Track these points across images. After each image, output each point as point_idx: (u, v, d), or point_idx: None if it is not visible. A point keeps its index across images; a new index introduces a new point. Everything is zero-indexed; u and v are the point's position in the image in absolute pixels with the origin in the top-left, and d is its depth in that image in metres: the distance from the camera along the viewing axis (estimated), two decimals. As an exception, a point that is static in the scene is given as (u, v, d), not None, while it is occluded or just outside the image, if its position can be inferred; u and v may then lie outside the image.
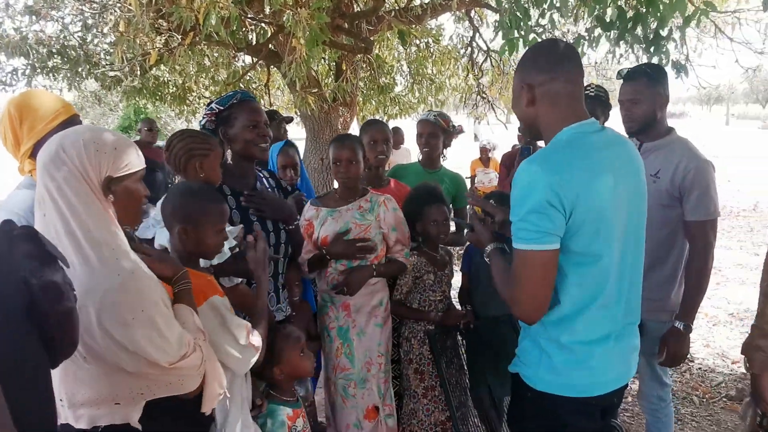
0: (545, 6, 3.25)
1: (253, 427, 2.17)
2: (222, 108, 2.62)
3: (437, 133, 3.72)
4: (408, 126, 9.65)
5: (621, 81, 2.81)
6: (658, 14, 3.27)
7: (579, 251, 1.75)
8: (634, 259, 1.89)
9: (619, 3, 3.38)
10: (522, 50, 3.78)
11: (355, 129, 10.32)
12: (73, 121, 2.20)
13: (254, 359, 2.02)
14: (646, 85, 2.72)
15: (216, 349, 1.89)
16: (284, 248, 2.75)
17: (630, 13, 3.36)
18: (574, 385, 1.84)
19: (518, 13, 3.28)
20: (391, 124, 9.91)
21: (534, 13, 3.67)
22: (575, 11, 3.36)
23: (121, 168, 1.61)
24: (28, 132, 2.14)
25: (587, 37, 3.71)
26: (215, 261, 2.26)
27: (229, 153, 2.68)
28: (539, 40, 3.61)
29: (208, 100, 9.49)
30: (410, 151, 8.59)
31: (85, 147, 1.55)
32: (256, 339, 2.05)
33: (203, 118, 2.69)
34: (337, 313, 2.94)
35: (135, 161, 1.65)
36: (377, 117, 9.67)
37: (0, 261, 1.06)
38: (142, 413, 1.64)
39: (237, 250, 2.32)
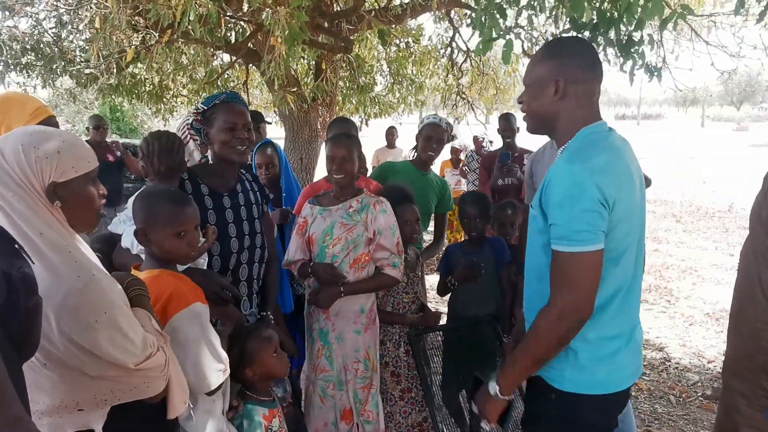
0: (522, 5, 3.25)
1: (228, 429, 2.15)
2: (206, 108, 2.59)
3: (444, 139, 3.74)
4: (382, 125, 9.67)
5: None
6: (633, 18, 3.29)
7: (611, 248, 1.75)
8: (640, 256, 1.91)
9: (595, 4, 3.39)
10: (497, 50, 3.83)
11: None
12: (48, 122, 2.16)
13: (223, 379, 1.97)
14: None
15: (188, 357, 1.86)
16: (260, 252, 2.72)
17: (605, 16, 3.38)
18: (601, 381, 1.83)
19: (494, 12, 3.27)
20: (374, 123, 9.92)
21: (510, 12, 3.67)
22: (554, 12, 3.37)
23: (67, 172, 1.51)
24: (5, 133, 2.09)
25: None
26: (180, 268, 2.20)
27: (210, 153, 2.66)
28: (515, 40, 3.63)
29: (185, 98, 9.41)
30: (403, 151, 8.59)
31: (25, 153, 1.46)
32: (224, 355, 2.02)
33: (191, 116, 2.66)
34: (318, 315, 2.92)
35: (82, 163, 1.54)
36: (357, 117, 9.66)
37: None
38: (108, 419, 1.60)
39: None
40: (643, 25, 3.43)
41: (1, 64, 7.37)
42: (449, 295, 3.45)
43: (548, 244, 1.77)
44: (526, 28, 4.50)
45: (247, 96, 8.81)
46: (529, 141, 5.54)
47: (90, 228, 1.66)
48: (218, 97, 2.59)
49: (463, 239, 3.86)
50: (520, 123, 5.58)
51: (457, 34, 9.35)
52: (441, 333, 3.20)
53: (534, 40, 6.40)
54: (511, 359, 1.86)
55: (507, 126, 5.43)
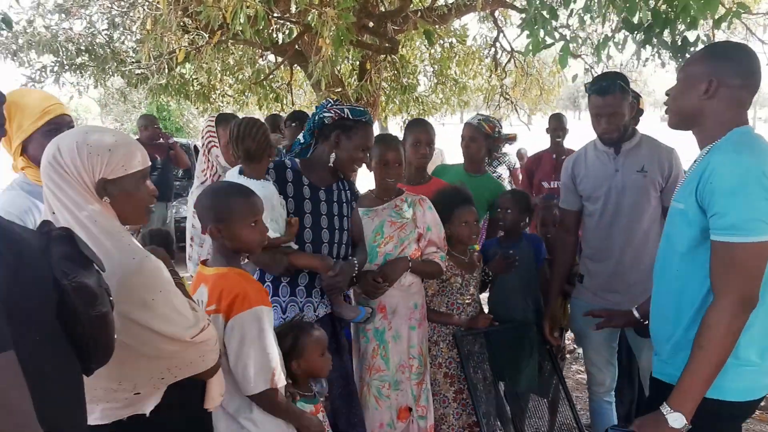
0: (573, 5, 3.22)
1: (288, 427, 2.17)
2: (350, 117, 2.72)
3: (478, 137, 3.69)
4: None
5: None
6: (688, 19, 3.23)
7: None
8: None
9: (650, 5, 3.34)
10: (548, 50, 3.80)
11: (376, 129, 10.33)
12: (61, 119, 2.18)
13: (263, 388, 1.99)
14: (622, 97, 2.82)
15: (240, 358, 1.91)
16: (344, 249, 2.81)
17: (660, 17, 3.32)
18: (748, 387, 1.78)
19: (544, 13, 3.24)
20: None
21: (562, 13, 3.64)
22: (604, 12, 3.33)
23: (117, 170, 1.58)
24: (17, 130, 2.15)
25: (613, 39, 3.67)
26: None
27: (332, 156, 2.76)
28: (563, 41, 3.58)
29: (230, 98, 9.52)
30: (442, 152, 8.56)
31: (78, 150, 1.54)
32: (281, 377, 2.03)
33: (326, 109, 2.75)
34: (373, 314, 2.94)
35: (132, 162, 1.61)
36: (400, 117, 9.68)
37: (34, 261, 1.05)
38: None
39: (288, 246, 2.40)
40: (697, 24, 3.36)
41: (57, 64, 7.59)
42: (488, 293, 3.42)
43: (699, 237, 1.75)
44: (576, 29, 4.46)
45: (291, 96, 8.93)
46: (575, 142, 5.48)
47: (137, 223, 1.73)
48: (364, 116, 2.74)
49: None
50: (570, 124, 5.56)
51: (501, 35, 9.30)
52: (487, 336, 3.18)
53: (582, 42, 6.31)
54: (685, 379, 1.74)
55: (557, 125, 5.35)
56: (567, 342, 5.06)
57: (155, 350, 1.57)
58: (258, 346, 1.95)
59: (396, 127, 10.44)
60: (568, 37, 3.38)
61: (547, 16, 3.04)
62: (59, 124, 2.17)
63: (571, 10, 3.36)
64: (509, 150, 7.24)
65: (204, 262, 2.12)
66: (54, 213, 1.53)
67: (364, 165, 2.92)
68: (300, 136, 2.86)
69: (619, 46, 3.72)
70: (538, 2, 3.08)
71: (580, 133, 5.84)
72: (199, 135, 3.18)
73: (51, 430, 0.99)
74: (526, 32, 3.27)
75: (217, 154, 3.04)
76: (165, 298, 1.56)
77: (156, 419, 1.64)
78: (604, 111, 2.83)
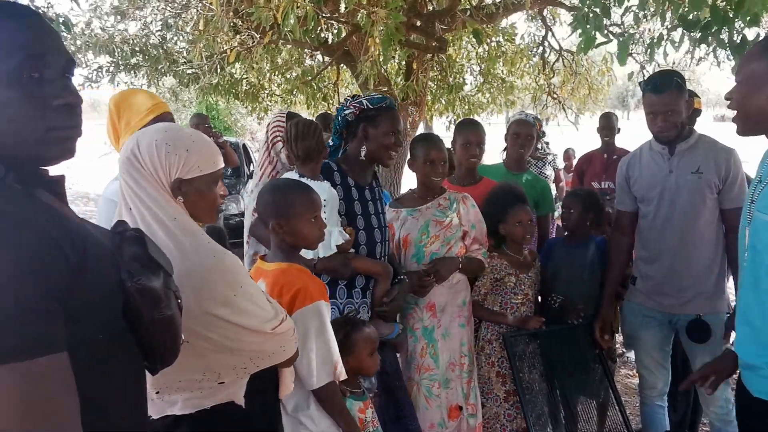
0: (628, 2, 3.16)
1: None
2: (370, 106, 2.72)
3: (533, 135, 3.70)
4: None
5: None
6: (748, 16, 3.14)
7: None
8: None
9: (708, 2, 3.26)
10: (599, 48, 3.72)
11: (422, 128, 10.33)
12: (164, 117, 2.31)
13: (325, 382, 2.02)
14: (678, 95, 2.75)
15: (302, 352, 1.92)
16: (387, 247, 2.83)
17: (719, 15, 3.23)
18: None
19: (597, 10, 3.20)
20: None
21: (615, 11, 3.58)
22: (661, 9, 3.26)
23: (192, 170, 1.60)
24: (125, 127, 2.29)
25: (669, 37, 3.59)
26: (322, 253, 2.34)
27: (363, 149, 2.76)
28: (621, 38, 3.53)
29: (278, 97, 9.61)
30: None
31: (157, 148, 1.56)
32: (342, 370, 2.07)
33: (346, 107, 2.77)
34: (421, 314, 2.94)
35: (207, 163, 1.63)
36: (446, 117, 9.65)
37: (101, 261, 1.06)
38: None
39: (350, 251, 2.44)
40: (759, 20, 3.27)
41: (113, 64, 7.83)
42: (547, 290, 3.38)
43: None
44: (629, 27, 4.37)
45: (338, 96, 9.00)
46: (625, 142, 5.38)
47: (207, 223, 1.78)
48: (384, 101, 2.73)
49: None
50: (620, 123, 5.46)
51: (549, 33, 9.20)
52: (537, 337, 3.15)
53: (635, 41, 6.19)
54: None
55: (607, 125, 5.27)
56: (616, 345, 4.99)
57: (239, 343, 1.60)
58: (320, 340, 1.98)
59: (441, 126, 10.41)
60: (624, 34, 3.31)
61: (600, 14, 2.99)
62: (163, 120, 2.29)
63: (626, 8, 3.30)
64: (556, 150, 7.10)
65: (262, 257, 2.17)
66: (131, 209, 1.56)
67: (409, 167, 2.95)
68: (329, 140, 2.88)
69: (675, 44, 3.64)
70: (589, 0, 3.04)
71: (630, 132, 5.74)
72: (266, 129, 3.20)
73: (112, 429, 1.01)
74: (578, 30, 3.22)
75: (281, 149, 3.08)
76: (246, 292, 1.60)
77: (236, 408, 1.68)
78: (659, 109, 2.77)
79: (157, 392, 1.58)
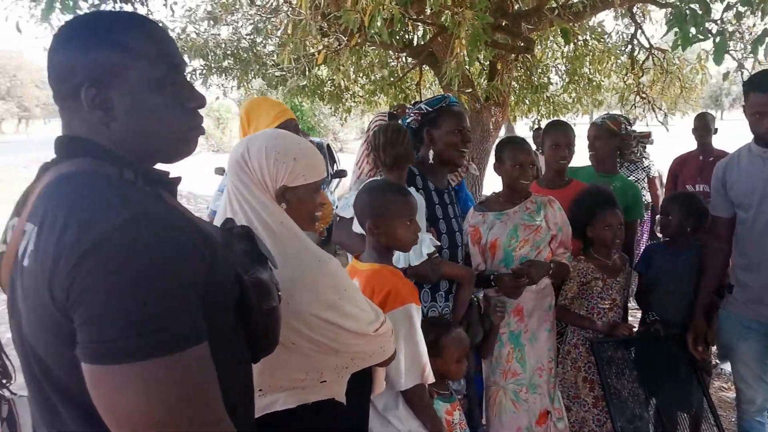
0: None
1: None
2: (430, 109, 2.75)
3: (601, 135, 3.59)
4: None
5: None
6: None
7: None
8: None
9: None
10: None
11: (504, 129, 10.22)
12: (288, 123, 2.46)
13: (413, 384, 2.05)
14: None
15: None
16: (462, 250, 2.84)
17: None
18: None
19: (696, 7, 3.08)
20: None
21: (716, 6, 3.43)
22: (763, 4, 3.09)
23: (297, 178, 1.64)
24: (253, 132, 2.41)
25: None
26: (414, 261, 2.37)
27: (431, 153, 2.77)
28: (719, 35, 3.38)
29: (362, 99, 9.76)
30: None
31: (266, 155, 1.61)
32: (431, 373, 2.09)
33: (408, 116, 2.81)
34: (508, 318, 2.93)
35: (312, 172, 1.67)
36: (530, 117, 9.50)
37: (224, 257, 1.11)
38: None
39: (435, 255, 2.45)
40: None
41: (205, 68, 8.17)
42: (646, 299, 3.29)
43: None
44: (728, 23, 4.17)
45: (420, 96, 9.03)
46: (723, 142, 5.15)
47: (305, 230, 1.76)
48: (443, 101, 2.74)
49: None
50: (717, 123, 5.23)
51: (639, 31, 8.89)
52: (627, 344, 3.08)
53: (732, 37, 5.89)
54: None
55: (702, 125, 5.05)
56: (711, 357, 4.79)
57: (343, 345, 1.65)
58: (410, 342, 2.01)
59: (525, 127, 10.26)
60: (725, 32, 3.17)
61: (700, 11, 2.88)
62: (287, 126, 2.47)
63: (728, 4, 3.15)
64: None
65: (357, 257, 2.22)
66: (238, 212, 1.62)
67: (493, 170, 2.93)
68: None
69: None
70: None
71: (725, 133, 5.48)
72: (367, 128, 3.27)
73: (230, 415, 1.06)
74: (674, 29, 3.12)
75: None
76: (349, 296, 1.65)
77: (335, 404, 1.73)
78: (766, 109, 2.66)
79: (260, 390, 1.62)
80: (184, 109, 1.13)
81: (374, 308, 1.75)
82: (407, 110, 2.85)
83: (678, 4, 3.01)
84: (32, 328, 1.00)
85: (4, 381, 1.82)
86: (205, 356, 0.98)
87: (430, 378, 2.09)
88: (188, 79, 8.28)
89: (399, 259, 2.44)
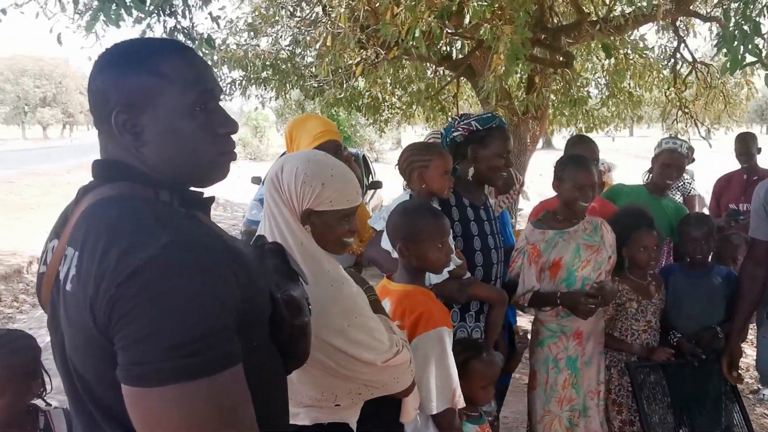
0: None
1: None
2: (480, 128, 2.73)
3: (683, 165, 3.55)
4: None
5: None
6: None
7: None
8: None
9: None
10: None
11: (542, 143, 10.11)
12: (330, 143, 2.48)
13: (444, 408, 2.01)
14: None
15: (422, 377, 1.93)
16: (504, 266, 2.81)
17: None
18: None
19: (746, 27, 3.01)
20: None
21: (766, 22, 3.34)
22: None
23: (323, 203, 1.62)
24: (296, 150, 2.44)
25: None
26: (434, 279, 2.35)
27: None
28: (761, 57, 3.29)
29: (399, 110, 9.75)
30: (612, 166, 8.15)
31: (296, 176, 1.62)
32: (461, 398, 2.06)
33: (454, 128, 2.79)
34: (567, 342, 2.85)
35: (340, 200, 1.64)
36: (568, 131, 9.40)
37: (257, 275, 1.12)
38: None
39: (468, 275, 2.43)
40: None
41: (245, 78, 8.30)
42: (666, 320, 3.21)
43: None
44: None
45: (457, 109, 9.02)
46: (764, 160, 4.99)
47: (332, 254, 1.75)
48: (494, 121, 2.74)
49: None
50: (760, 139, 5.08)
51: (682, 44, 8.73)
52: (664, 369, 3.00)
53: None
54: None
55: (743, 150, 4.89)
56: (750, 380, 4.65)
57: (352, 372, 1.63)
58: (441, 367, 1.98)
59: (563, 141, 10.14)
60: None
61: (750, 32, 2.81)
62: (328, 147, 2.46)
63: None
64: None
65: (389, 276, 2.21)
66: (267, 227, 1.65)
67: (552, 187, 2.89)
68: None
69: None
70: (738, 16, 2.86)
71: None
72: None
73: (270, 428, 1.07)
74: (723, 50, 3.05)
75: None
76: (360, 323, 1.62)
77: (350, 429, 1.72)
78: None
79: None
80: (216, 135, 1.13)
81: (392, 338, 1.70)
82: (456, 122, 2.82)
83: (726, 23, 2.94)
84: (76, 349, 1.03)
85: (42, 392, 1.86)
86: (240, 377, 0.99)
87: (461, 402, 2.06)
88: (227, 89, 8.48)
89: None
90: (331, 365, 1.61)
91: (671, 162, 3.50)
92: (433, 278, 2.37)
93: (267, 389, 1.13)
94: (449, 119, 8.95)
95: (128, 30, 5.01)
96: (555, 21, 6.86)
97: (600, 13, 7.21)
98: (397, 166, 2.64)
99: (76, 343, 1.02)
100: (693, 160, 3.61)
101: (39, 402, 1.89)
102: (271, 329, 1.18)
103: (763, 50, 3.50)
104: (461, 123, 2.77)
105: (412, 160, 2.56)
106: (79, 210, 1.08)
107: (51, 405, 1.89)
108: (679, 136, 9.71)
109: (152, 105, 1.06)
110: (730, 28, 2.88)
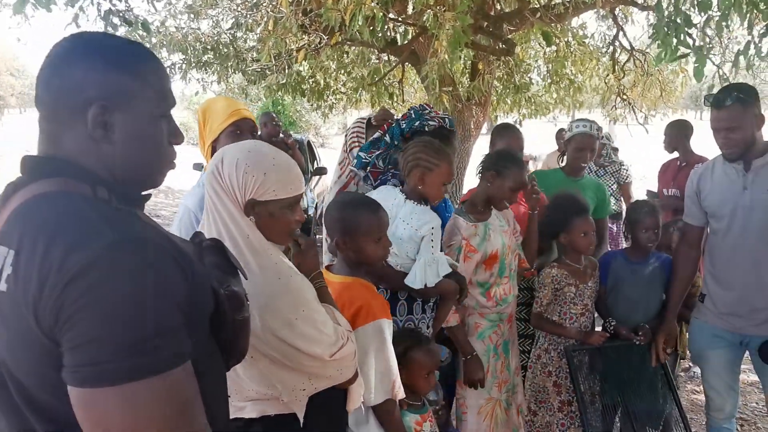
0: (711, 12, 3.03)
1: None
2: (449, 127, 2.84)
3: (596, 147, 3.66)
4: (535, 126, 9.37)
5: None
6: None
7: None
8: None
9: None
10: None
11: (486, 128, 10.23)
12: (243, 122, 2.41)
13: (383, 399, 2.03)
14: (741, 111, 2.64)
15: (362, 369, 1.93)
16: None
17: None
18: None
19: (678, 19, 3.09)
20: (527, 124, 9.71)
21: (697, 18, 3.42)
22: (747, 18, 3.10)
23: (267, 193, 1.61)
24: (208, 133, 2.42)
25: (757, 45, 3.42)
26: (430, 282, 2.42)
27: None
28: (698, 52, 3.38)
29: (343, 95, 9.73)
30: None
31: (237, 167, 1.59)
32: (401, 389, 2.08)
33: (429, 118, 2.80)
34: (503, 328, 2.97)
35: (284, 188, 1.63)
36: (511, 117, 9.52)
37: (199, 271, 1.11)
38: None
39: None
40: None
41: (185, 62, 8.07)
42: (604, 306, 3.32)
43: None
44: (711, 33, 4.16)
45: (402, 94, 9.01)
46: (701, 144, 5.14)
47: (278, 245, 1.73)
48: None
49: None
50: (694, 124, 5.21)
51: (621, 32, 8.93)
52: (599, 352, 3.09)
53: (724, 51, 5.90)
54: None
55: (670, 137, 5.01)
56: (681, 361, 4.84)
57: (297, 365, 1.63)
58: (380, 358, 1.99)
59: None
60: (704, 49, 3.18)
61: (681, 23, 2.88)
62: (241, 126, 2.41)
63: (708, 17, 3.15)
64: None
65: (328, 267, 2.20)
66: (211, 220, 1.62)
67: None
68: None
69: (762, 54, 3.47)
70: (671, 8, 2.93)
71: (703, 133, 5.46)
72: (345, 133, 3.26)
73: (212, 423, 1.07)
74: (657, 41, 3.12)
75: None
76: (307, 317, 1.61)
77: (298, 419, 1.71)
78: (720, 125, 2.69)
79: (229, 395, 1.63)
80: (169, 145, 1.19)
81: (338, 330, 1.70)
82: (427, 111, 2.81)
83: (660, 15, 3.00)
84: (10, 350, 1.00)
85: None
86: (191, 372, 1.00)
87: (401, 393, 2.07)
88: (168, 73, 8.25)
89: (415, 279, 2.44)
90: (278, 357, 1.60)
91: (584, 145, 3.61)
92: (429, 281, 2.42)
93: (209, 385, 1.13)
94: (395, 105, 8.98)
95: (60, 12, 4.80)
96: (497, 8, 6.90)
97: (541, 0, 7.30)
98: (401, 155, 2.61)
99: (10, 344, 0.99)
100: (605, 137, 3.72)
101: None
102: (212, 325, 1.18)
103: (696, 40, 3.61)
104: (433, 113, 2.79)
105: (419, 158, 2.52)
106: (10, 207, 1.04)
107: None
108: (617, 121, 10.01)
109: (127, 105, 1.09)
110: (663, 20, 2.94)
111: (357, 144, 3.13)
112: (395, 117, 2.99)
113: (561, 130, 8.04)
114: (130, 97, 1.09)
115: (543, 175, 3.82)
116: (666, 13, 3.07)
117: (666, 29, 2.97)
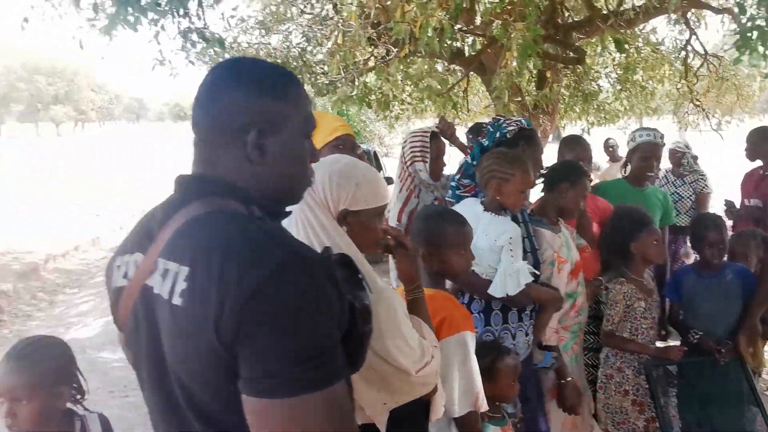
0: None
1: None
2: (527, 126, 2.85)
3: (661, 155, 3.60)
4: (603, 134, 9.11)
5: None
6: None
7: None
8: None
9: None
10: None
11: (547, 137, 10.10)
12: (345, 139, 2.52)
13: (466, 411, 2.02)
14: None
15: (444, 381, 1.93)
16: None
17: None
18: None
19: (763, 23, 3.01)
20: (595, 132, 9.52)
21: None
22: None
23: (359, 203, 1.66)
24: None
25: None
26: (512, 291, 2.41)
27: None
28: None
29: (409, 106, 9.77)
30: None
31: (330, 179, 1.65)
32: (484, 401, 2.06)
33: (508, 124, 2.81)
34: (581, 336, 3.02)
35: (374, 198, 1.69)
36: (579, 125, 9.37)
37: (333, 285, 1.13)
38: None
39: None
40: None
41: (257, 76, 8.30)
42: (681, 322, 3.24)
43: None
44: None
45: (467, 103, 9.01)
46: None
47: (367, 253, 1.77)
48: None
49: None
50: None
51: (693, 37, 8.67)
52: (679, 368, 3.02)
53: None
54: None
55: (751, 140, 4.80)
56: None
57: (384, 376, 1.64)
58: (464, 371, 1.99)
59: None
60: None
61: (766, 26, 2.80)
62: (343, 142, 2.51)
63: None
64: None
65: None
66: (302, 234, 1.65)
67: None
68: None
69: None
70: (754, 10, 2.85)
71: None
72: (403, 143, 3.29)
73: None
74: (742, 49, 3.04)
75: (420, 168, 3.15)
76: (396, 328, 1.63)
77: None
78: None
79: None
80: (310, 162, 1.27)
81: (422, 344, 1.71)
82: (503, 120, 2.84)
83: (740, 21, 2.92)
84: (183, 360, 1.07)
85: (78, 397, 1.90)
86: (346, 387, 1.07)
87: (484, 406, 2.07)
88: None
89: (497, 289, 2.45)
90: (365, 372, 1.57)
91: (650, 154, 3.53)
92: (510, 291, 2.44)
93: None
94: (459, 114, 8.97)
95: (143, 31, 5.04)
96: (566, 17, 6.83)
97: (611, 6, 7.18)
98: (477, 169, 2.64)
99: (185, 354, 1.06)
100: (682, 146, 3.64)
101: (78, 408, 1.92)
102: (342, 337, 1.23)
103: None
104: (513, 120, 2.82)
105: (493, 170, 2.54)
106: (174, 225, 1.11)
107: (88, 410, 1.93)
108: (689, 129, 9.71)
109: (280, 129, 1.17)
110: (745, 22, 2.87)
111: (420, 158, 3.14)
112: (455, 125, 3.00)
113: (608, 140, 7.90)
114: (283, 122, 1.17)
115: (608, 187, 3.76)
116: (749, 14, 2.99)
117: (749, 34, 2.89)
